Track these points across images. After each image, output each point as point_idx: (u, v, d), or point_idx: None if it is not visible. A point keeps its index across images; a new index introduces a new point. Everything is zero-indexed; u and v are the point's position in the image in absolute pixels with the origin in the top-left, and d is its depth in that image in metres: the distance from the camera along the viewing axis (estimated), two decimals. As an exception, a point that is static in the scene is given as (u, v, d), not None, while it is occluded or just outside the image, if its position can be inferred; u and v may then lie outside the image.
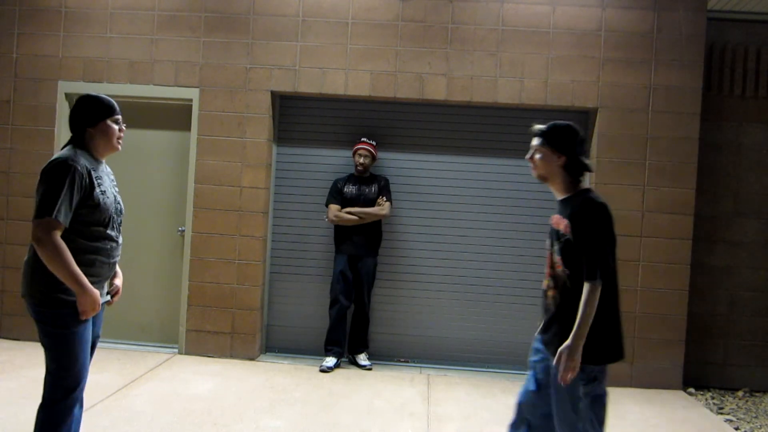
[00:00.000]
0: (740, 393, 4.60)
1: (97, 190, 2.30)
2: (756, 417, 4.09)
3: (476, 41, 4.61)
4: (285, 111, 4.87)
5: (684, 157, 4.52)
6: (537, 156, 2.37)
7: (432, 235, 4.79)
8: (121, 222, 2.48)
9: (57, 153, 2.32)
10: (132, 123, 4.83)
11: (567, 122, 2.40)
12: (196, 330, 4.67)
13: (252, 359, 4.64)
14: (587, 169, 2.35)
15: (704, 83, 4.65)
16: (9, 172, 4.78)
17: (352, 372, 4.49)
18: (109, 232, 2.37)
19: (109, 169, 2.50)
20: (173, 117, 4.81)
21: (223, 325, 4.66)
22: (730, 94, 4.79)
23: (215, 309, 4.66)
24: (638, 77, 4.55)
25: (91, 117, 2.37)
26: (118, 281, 2.61)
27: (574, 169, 2.33)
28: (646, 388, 4.46)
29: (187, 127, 4.76)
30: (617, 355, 2.27)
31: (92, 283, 2.29)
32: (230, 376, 4.20)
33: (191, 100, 4.70)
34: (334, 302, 4.55)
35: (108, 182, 2.43)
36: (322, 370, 4.41)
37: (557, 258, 2.28)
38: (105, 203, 2.33)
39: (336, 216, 4.50)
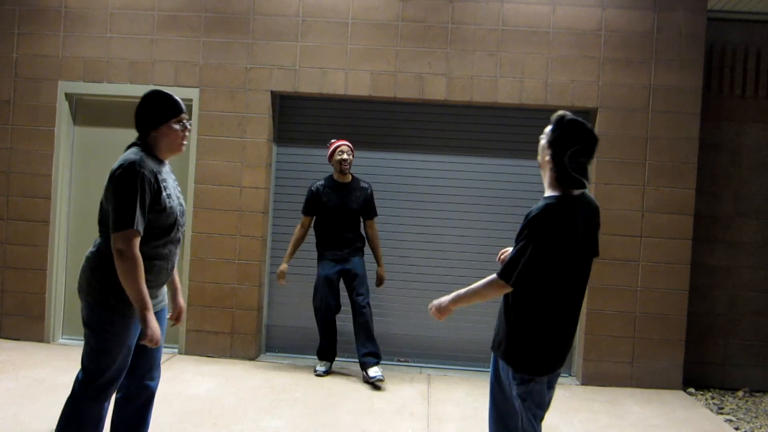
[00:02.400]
0: (740, 393, 4.60)
1: (164, 194, 2.28)
2: (756, 417, 4.08)
3: (476, 41, 4.61)
4: (285, 111, 4.87)
5: (684, 157, 4.52)
6: (541, 140, 2.14)
7: (432, 235, 4.79)
8: (184, 223, 2.46)
9: (125, 154, 2.28)
10: (131, 123, 4.85)
11: (578, 119, 2.05)
12: (196, 330, 4.67)
13: (252, 359, 4.64)
14: (573, 183, 2.02)
15: (704, 83, 4.65)
16: (9, 172, 4.78)
17: (352, 372, 4.49)
18: (172, 235, 2.35)
19: (170, 168, 2.46)
20: (173, 117, 4.80)
21: (223, 325, 4.66)
22: (730, 94, 4.79)
23: (215, 309, 4.66)
24: (638, 77, 4.55)
25: (153, 119, 2.33)
26: (181, 300, 2.64)
27: (559, 174, 2.04)
28: (646, 388, 4.46)
29: (187, 127, 4.75)
30: (547, 368, 2.13)
31: (149, 287, 2.27)
32: (230, 376, 4.20)
33: (191, 100, 4.69)
34: (317, 311, 4.30)
35: (171, 184, 2.39)
36: (318, 375, 4.34)
37: None
38: (171, 206, 2.31)
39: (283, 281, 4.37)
